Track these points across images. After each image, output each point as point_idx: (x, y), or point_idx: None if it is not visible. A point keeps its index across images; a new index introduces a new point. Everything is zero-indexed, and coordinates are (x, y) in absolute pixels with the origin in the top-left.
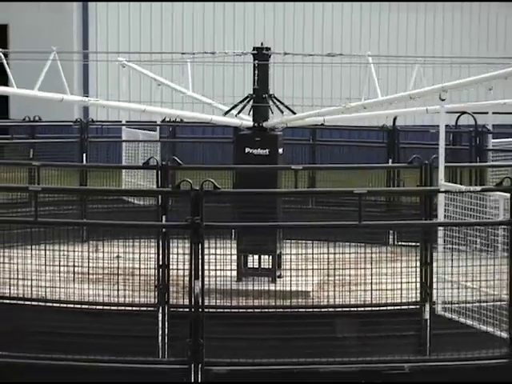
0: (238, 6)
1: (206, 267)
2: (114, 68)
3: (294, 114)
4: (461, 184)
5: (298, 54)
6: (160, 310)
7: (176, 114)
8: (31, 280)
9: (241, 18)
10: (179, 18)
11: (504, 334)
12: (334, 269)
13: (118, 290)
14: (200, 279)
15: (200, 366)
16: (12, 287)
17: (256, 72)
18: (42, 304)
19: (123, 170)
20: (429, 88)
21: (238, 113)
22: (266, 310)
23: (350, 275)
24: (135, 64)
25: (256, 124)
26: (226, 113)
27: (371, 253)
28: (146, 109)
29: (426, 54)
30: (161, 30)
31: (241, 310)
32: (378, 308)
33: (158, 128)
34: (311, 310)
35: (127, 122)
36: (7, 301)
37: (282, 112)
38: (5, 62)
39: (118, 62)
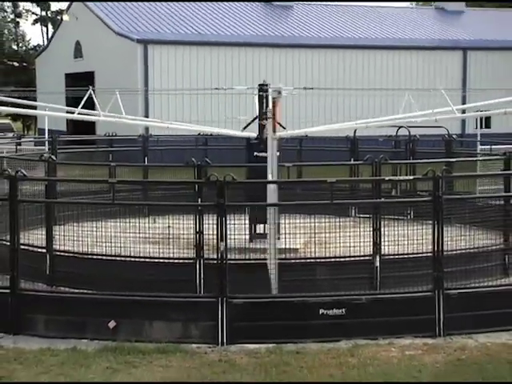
0: (248, 55)
1: (228, 233)
2: (165, 99)
3: (284, 128)
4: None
5: (287, 89)
6: (197, 262)
7: (222, 132)
8: (111, 242)
9: (250, 62)
10: (208, 63)
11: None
12: (315, 233)
13: (169, 248)
14: (224, 241)
15: (225, 299)
16: (98, 247)
17: (263, 100)
18: (119, 259)
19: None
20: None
21: (245, 127)
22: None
23: (325, 237)
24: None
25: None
26: (244, 128)
27: (339, 222)
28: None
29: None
30: (196, 71)
31: (252, 262)
32: (344, 259)
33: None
34: (299, 260)
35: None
36: (96, 256)
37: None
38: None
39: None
